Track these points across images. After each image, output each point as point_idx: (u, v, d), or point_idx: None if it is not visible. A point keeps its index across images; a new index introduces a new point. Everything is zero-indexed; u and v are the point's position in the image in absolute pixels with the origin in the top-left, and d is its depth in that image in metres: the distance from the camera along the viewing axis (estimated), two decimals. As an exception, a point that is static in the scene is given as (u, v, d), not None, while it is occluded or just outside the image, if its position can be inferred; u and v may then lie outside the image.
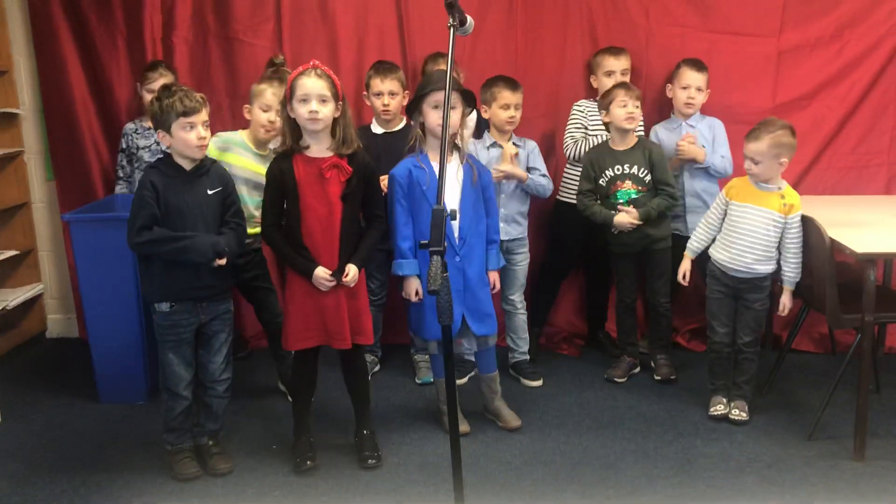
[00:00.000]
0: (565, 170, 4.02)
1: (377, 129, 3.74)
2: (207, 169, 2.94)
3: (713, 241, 3.41)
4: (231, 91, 4.15)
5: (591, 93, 4.06)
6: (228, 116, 4.16)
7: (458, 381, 3.76)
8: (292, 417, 3.14)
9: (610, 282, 4.14)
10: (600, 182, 3.66)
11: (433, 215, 2.12)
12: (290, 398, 3.53)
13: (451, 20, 2.30)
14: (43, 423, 3.48)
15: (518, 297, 3.74)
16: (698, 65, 3.83)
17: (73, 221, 3.55)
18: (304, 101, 2.80)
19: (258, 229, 3.28)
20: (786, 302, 3.29)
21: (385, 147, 3.57)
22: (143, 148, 3.92)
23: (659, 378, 3.79)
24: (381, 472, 3.04)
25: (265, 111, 3.32)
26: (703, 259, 3.48)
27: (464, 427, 3.28)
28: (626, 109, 3.56)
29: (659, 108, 4.03)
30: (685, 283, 3.51)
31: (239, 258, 3.26)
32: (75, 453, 3.22)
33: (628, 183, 3.61)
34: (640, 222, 3.59)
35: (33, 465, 3.12)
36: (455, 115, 3.05)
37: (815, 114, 4.07)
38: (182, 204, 2.85)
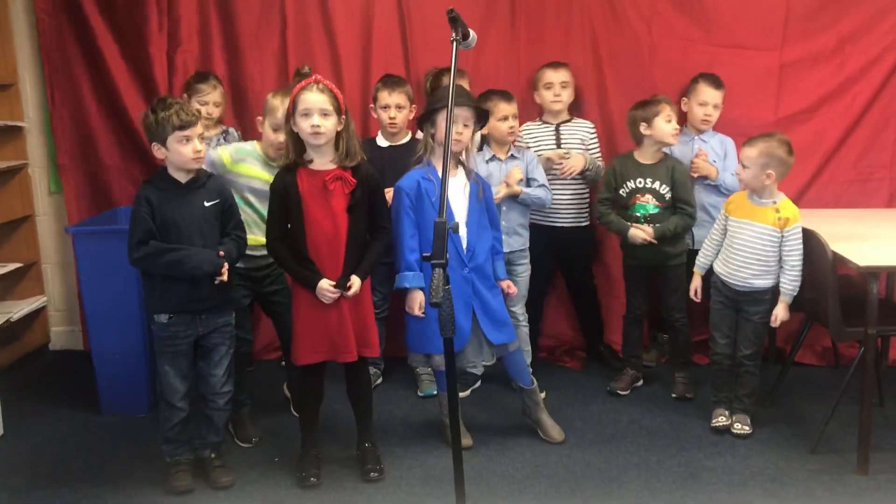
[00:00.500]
0: None
1: (383, 142, 3.76)
2: (204, 182, 2.95)
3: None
4: (237, 104, 4.18)
5: (593, 109, 4.08)
6: (228, 125, 4.18)
7: (461, 394, 3.75)
8: (300, 431, 3.14)
9: (593, 295, 4.15)
10: (620, 192, 3.66)
11: (435, 228, 2.13)
12: (293, 408, 3.54)
13: (453, 34, 2.31)
14: (45, 436, 3.48)
15: (520, 310, 3.74)
16: (716, 81, 3.83)
17: (78, 234, 3.57)
18: (307, 115, 2.82)
19: None
20: (779, 313, 3.26)
21: (390, 160, 3.58)
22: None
23: (675, 395, 3.77)
24: (384, 485, 3.03)
25: (275, 130, 3.22)
26: (710, 272, 3.49)
27: (466, 441, 3.27)
28: (673, 125, 3.56)
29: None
30: (697, 300, 3.50)
31: (257, 271, 3.31)
32: (77, 466, 3.22)
33: (648, 197, 3.61)
34: (654, 241, 3.58)
35: (35, 478, 3.12)
36: (468, 132, 3.09)
37: (817, 127, 4.08)
38: (178, 217, 2.85)
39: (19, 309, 4.21)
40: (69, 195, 4.28)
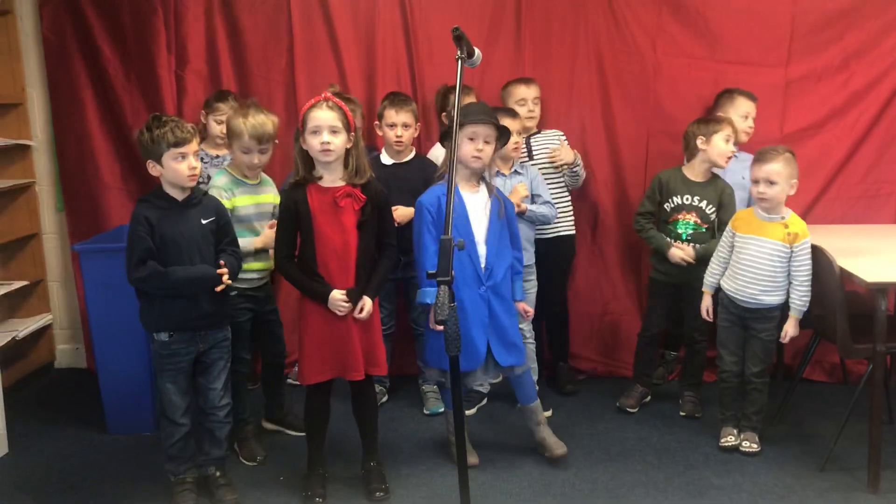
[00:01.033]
0: None
1: (387, 159, 3.76)
2: (199, 199, 2.95)
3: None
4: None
5: (597, 123, 4.08)
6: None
7: (467, 412, 3.73)
8: (306, 450, 3.12)
9: (565, 308, 4.10)
10: (664, 206, 3.64)
11: (440, 245, 2.12)
12: (288, 431, 3.53)
13: (459, 52, 2.32)
14: (51, 454, 3.48)
15: (527, 327, 3.72)
16: (752, 95, 3.83)
17: (83, 252, 3.58)
18: (316, 132, 2.82)
19: (268, 263, 3.29)
20: (788, 330, 3.25)
21: (394, 177, 3.59)
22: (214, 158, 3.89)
23: (683, 414, 3.75)
24: None
25: (245, 152, 3.23)
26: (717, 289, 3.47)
27: (472, 459, 3.25)
28: (730, 147, 3.53)
29: (670, 137, 4.01)
30: (710, 319, 3.47)
31: (258, 291, 3.33)
32: (83, 484, 3.21)
33: (693, 215, 3.58)
34: (694, 262, 3.55)
35: (41, 497, 3.11)
36: (489, 149, 3.08)
37: (824, 143, 4.08)
38: (177, 235, 2.86)
39: (25, 327, 4.21)
40: (72, 214, 4.30)
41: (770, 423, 3.57)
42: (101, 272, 3.50)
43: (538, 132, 3.97)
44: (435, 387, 3.95)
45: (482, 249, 3.10)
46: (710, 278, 3.45)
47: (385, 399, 3.95)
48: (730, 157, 3.57)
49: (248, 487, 3.13)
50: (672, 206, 3.62)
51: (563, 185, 3.94)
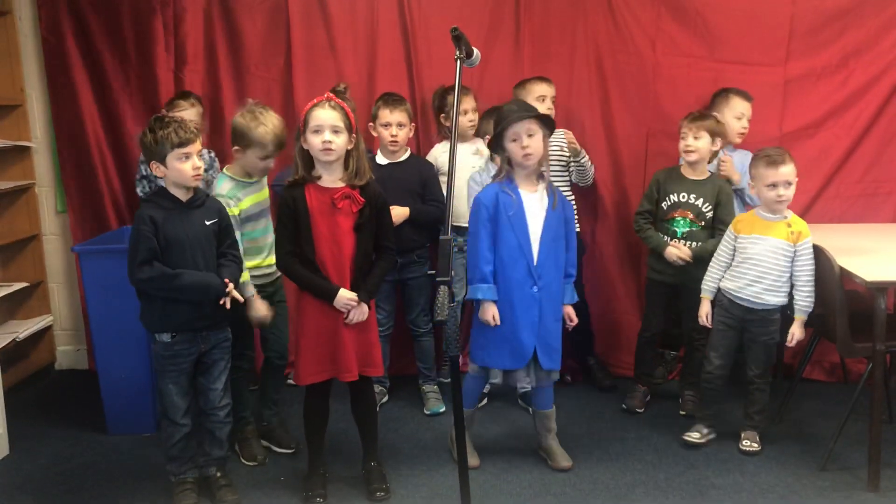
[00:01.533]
0: None
1: (382, 160, 3.77)
2: (203, 200, 2.96)
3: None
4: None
5: (597, 124, 4.08)
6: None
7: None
8: (307, 450, 3.13)
9: (584, 306, 4.07)
10: (662, 205, 3.64)
11: (440, 245, 2.13)
12: (275, 448, 3.48)
13: (457, 52, 2.33)
14: (51, 456, 3.48)
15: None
16: (747, 94, 3.83)
17: (84, 253, 3.58)
18: (317, 131, 2.82)
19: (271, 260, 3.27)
20: (795, 332, 3.24)
21: (390, 178, 3.59)
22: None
23: (683, 413, 3.75)
24: (390, 504, 3.02)
25: (264, 158, 3.19)
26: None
27: (473, 461, 3.25)
28: (685, 142, 3.54)
29: (669, 137, 4.02)
30: (709, 325, 3.43)
31: (270, 286, 3.33)
32: (84, 485, 3.21)
33: (689, 213, 3.57)
34: (690, 261, 3.54)
35: (42, 498, 3.12)
36: (536, 142, 3.03)
37: (823, 142, 4.08)
38: (182, 235, 2.86)
39: (26, 328, 4.22)
40: (73, 215, 4.30)
41: (770, 423, 3.57)
42: (102, 273, 3.50)
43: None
44: (435, 387, 3.96)
45: (535, 248, 3.07)
46: (710, 283, 3.41)
47: (385, 399, 3.96)
48: (715, 153, 3.57)
49: (248, 488, 3.13)
50: (668, 203, 3.61)
51: (569, 182, 3.94)
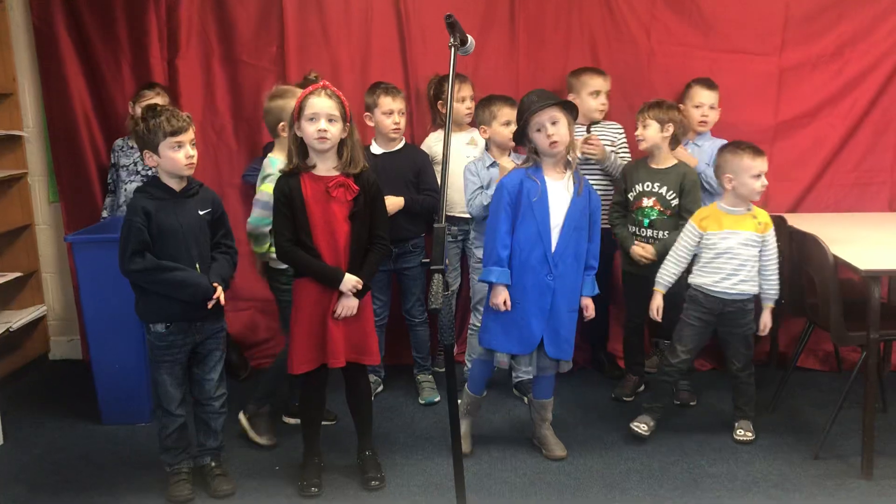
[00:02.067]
0: None
1: (377, 149, 3.75)
2: (196, 190, 2.94)
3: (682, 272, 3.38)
4: (235, 112, 4.18)
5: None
6: (232, 137, 4.18)
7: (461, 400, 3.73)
8: (302, 439, 3.12)
9: (607, 303, 4.11)
10: (629, 195, 3.64)
11: (434, 233, 2.12)
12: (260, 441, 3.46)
13: (452, 39, 2.31)
14: (45, 446, 3.47)
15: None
16: (709, 83, 3.84)
17: (77, 243, 3.57)
18: (313, 119, 2.81)
19: None
20: (766, 320, 3.29)
21: (384, 167, 3.58)
22: (123, 166, 3.95)
23: (678, 402, 3.75)
24: (385, 493, 3.02)
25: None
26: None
27: (465, 447, 3.25)
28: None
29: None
30: (659, 319, 3.41)
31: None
32: (78, 475, 3.20)
33: (654, 201, 3.57)
34: (654, 259, 3.53)
35: (35, 488, 3.11)
36: (561, 129, 3.01)
37: (818, 132, 4.08)
38: (176, 225, 2.85)
39: (19, 318, 4.20)
40: (65, 204, 4.28)
41: (764, 412, 3.59)
42: (95, 263, 3.49)
43: (599, 121, 3.96)
44: (430, 377, 3.96)
45: (555, 236, 3.06)
46: (666, 278, 3.37)
47: (380, 389, 3.96)
48: (674, 139, 3.55)
49: (243, 477, 3.13)
50: (634, 193, 3.61)
51: (603, 176, 3.91)
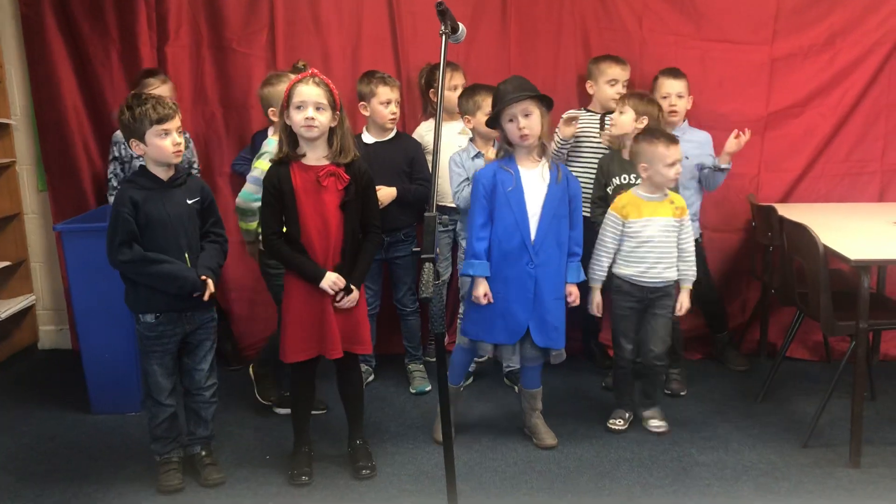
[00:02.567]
0: None
1: (369, 138, 3.73)
2: (184, 179, 2.93)
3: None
4: (224, 101, 4.15)
5: (585, 101, 4.06)
6: (222, 126, 4.15)
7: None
8: (292, 428, 3.12)
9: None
10: (608, 189, 3.63)
11: (425, 221, 2.11)
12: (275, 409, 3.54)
13: (443, 27, 2.30)
14: (34, 435, 3.46)
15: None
16: (674, 72, 3.83)
17: (66, 232, 3.55)
18: (300, 108, 2.79)
19: None
20: (684, 302, 3.32)
21: (377, 156, 3.57)
22: (137, 157, 3.89)
23: (668, 392, 3.76)
24: (375, 482, 3.02)
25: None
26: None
27: (438, 436, 3.26)
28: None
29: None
30: (599, 314, 3.40)
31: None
32: (67, 465, 3.20)
33: None
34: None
35: (24, 477, 3.10)
36: (533, 122, 3.02)
37: (809, 121, 4.09)
38: (164, 215, 2.83)
39: (7, 308, 4.19)
40: (54, 194, 4.25)
41: (754, 401, 3.61)
42: (84, 252, 3.47)
43: (612, 111, 3.93)
44: (421, 366, 3.96)
45: (533, 224, 3.07)
46: (599, 272, 3.34)
47: (371, 378, 3.95)
48: (626, 133, 3.53)
49: (234, 466, 3.13)
50: (612, 187, 3.59)
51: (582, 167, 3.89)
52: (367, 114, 3.72)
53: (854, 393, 3.07)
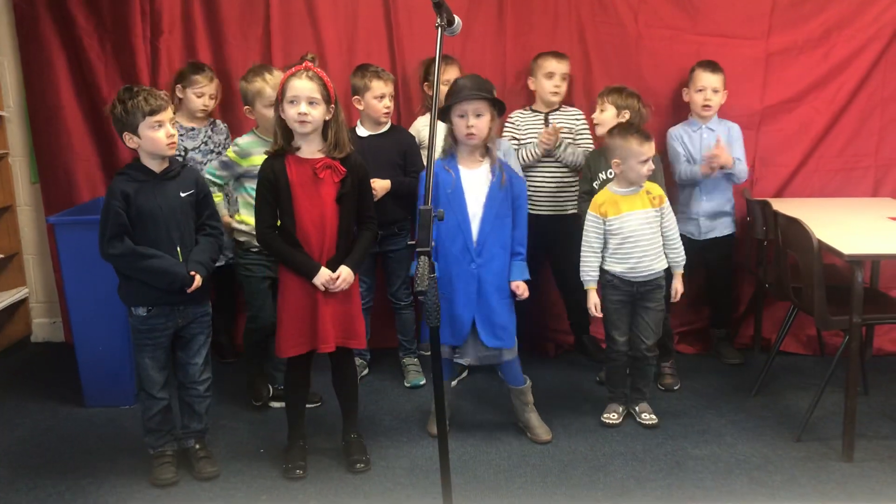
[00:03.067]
0: None
1: (363, 131, 3.73)
2: (178, 171, 2.91)
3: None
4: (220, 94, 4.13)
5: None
6: (217, 118, 4.14)
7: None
8: (286, 422, 3.12)
9: (580, 286, 4.10)
10: (594, 185, 3.64)
11: (421, 216, 2.11)
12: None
13: (438, 20, 2.29)
14: (28, 428, 3.45)
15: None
16: (713, 66, 3.83)
17: (59, 224, 3.53)
18: (293, 102, 2.79)
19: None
20: (678, 287, 3.32)
21: (371, 149, 3.56)
22: (192, 149, 3.85)
23: (662, 387, 3.77)
24: (370, 475, 3.02)
25: (269, 106, 3.30)
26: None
27: (432, 429, 3.27)
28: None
29: (650, 111, 4.00)
30: (599, 315, 3.38)
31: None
32: (61, 458, 3.19)
33: None
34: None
35: (18, 471, 3.09)
36: (481, 122, 3.03)
37: (803, 116, 4.09)
38: (155, 208, 2.82)
39: (0, 301, 4.16)
40: (46, 185, 4.23)
41: (747, 395, 3.62)
42: (78, 245, 3.45)
43: (557, 108, 3.94)
44: (416, 360, 3.96)
45: (475, 225, 3.08)
46: (591, 273, 3.32)
47: (366, 372, 3.95)
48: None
49: (228, 460, 3.12)
50: (598, 182, 3.60)
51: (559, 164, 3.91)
52: (361, 107, 3.71)
53: (847, 387, 3.07)
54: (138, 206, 2.79)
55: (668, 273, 3.34)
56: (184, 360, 3.00)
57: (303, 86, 2.78)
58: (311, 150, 2.87)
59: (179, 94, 3.84)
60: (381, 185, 3.54)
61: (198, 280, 2.87)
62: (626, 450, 3.19)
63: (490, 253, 3.10)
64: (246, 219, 3.41)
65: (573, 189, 3.89)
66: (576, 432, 3.34)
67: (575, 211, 3.87)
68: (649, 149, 3.20)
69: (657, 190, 3.30)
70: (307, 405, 3.24)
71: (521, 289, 3.18)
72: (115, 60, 4.07)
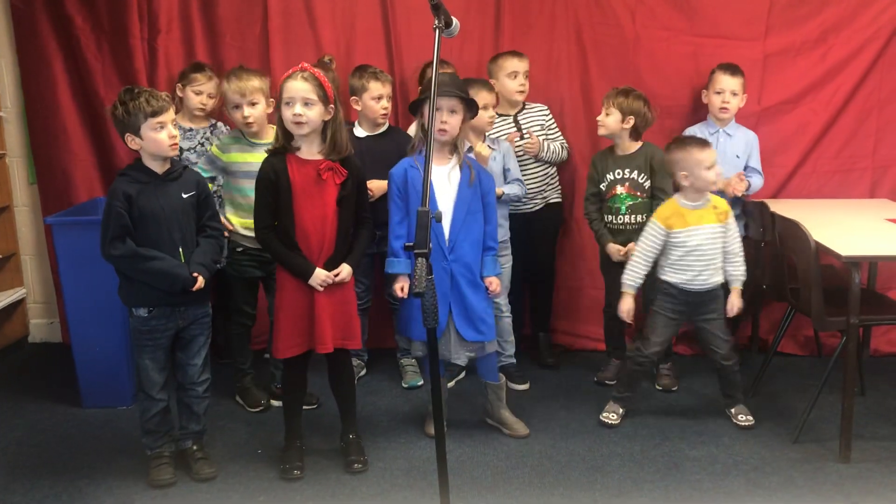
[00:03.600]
0: None
1: (360, 132, 3.73)
2: (180, 172, 2.91)
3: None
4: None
5: (574, 96, 4.06)
6: (215, 118, 4.13)
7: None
8: (283, 423, 3.12)
9: (550, 277, 4.15)
10: (601, 186, 3.64)
11: (418, 217, 2.11)
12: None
13: (436, 21, 2.29)
14: (25, 429, 3.45)
15: (503, 301, 3.72)
16: (733, 69, 3.81)
17: (56, 225, 3.53)
18: (289, 103, 2.79)
19: None
20: (735, 302, 3.31)
21: (369, 150, 3.57)
22: (188, 150, 3.83)
23: (660, 388, 3.77)
24: (367, 476, 3.02)
25: (235, 107, 3.42)
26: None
27: (430, 430, 3.27)
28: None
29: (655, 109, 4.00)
30: (630, 322, 3.41)
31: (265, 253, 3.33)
32: (58, 459, 3.18)
33: (626, 187, 3.57)
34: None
35: (15, 471, 3.09)
36: (454, 120, 3.04)
37: (800, 118, 4.09)
38: (157, 209, 2.82)
39: (-2, 301, 4.17)
40: (44, 186, 4.23)
41: (744, 396, 3.62)
42: (75, 245, 3.45)
43: (523, 108, 3.94)
44: (413, 360, 3.95)
45: (447, 221, 3.08)
46: (636, 279, 3.34)
47: (363, 373, 3.95)
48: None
49: (225, 461, 3.12)
50: (606, 183, 3.61)
51: (541, 162, 3.93)
52: (358, 108, 3.71)
53: (844, 388, 3.08)
54: (140, 208, 2.79)
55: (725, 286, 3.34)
56: (183, 361, 3.00)
57: (297, 87, 2.79)
58: (310, 150, 2.88)
59: (180, 93, 3.84)
60: (378, 186, 3.53)
61: (200, 281, 2.87)
62: (623, 451, 3.19)
63: (462, 249, 3.11)
64: (231, 218, 3.44)
65: (555, 178, 3.99)
66: (573, 433, 3.34)
67: (557, 200, 3.97)
68: (710, 154, 3.20)
69: (724, 205, 3.29)
70: (305, 407, 3.24)
71: (494, 284, 3.19)
72: (112, 60, 4.06)
